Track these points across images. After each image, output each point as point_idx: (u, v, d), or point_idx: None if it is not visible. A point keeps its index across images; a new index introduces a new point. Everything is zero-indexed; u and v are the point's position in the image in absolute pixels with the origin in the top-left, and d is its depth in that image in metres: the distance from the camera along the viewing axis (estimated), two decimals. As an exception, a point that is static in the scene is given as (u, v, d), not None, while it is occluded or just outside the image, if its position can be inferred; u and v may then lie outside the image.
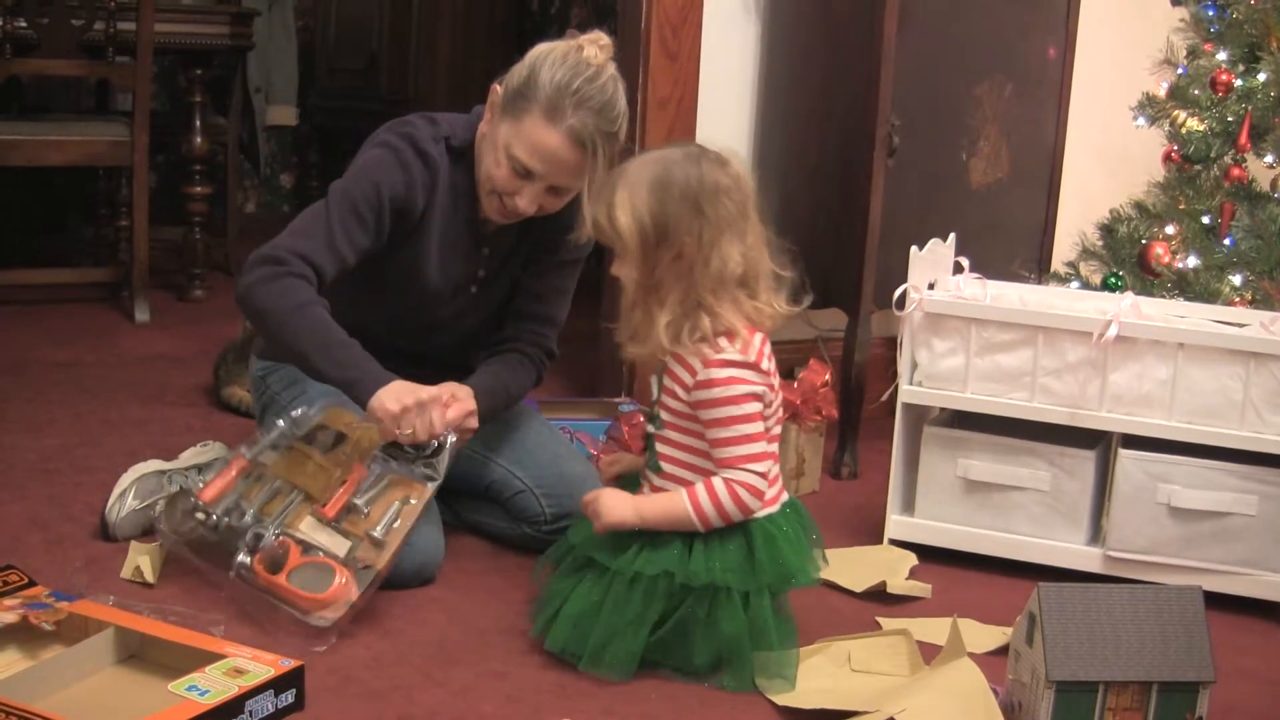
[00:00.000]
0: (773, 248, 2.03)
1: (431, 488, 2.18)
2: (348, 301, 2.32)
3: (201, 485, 2.25)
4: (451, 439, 2.20)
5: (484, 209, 2.36)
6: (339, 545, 2.13)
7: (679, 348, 1.98)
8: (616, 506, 2.02)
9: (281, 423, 2.31)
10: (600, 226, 2.02)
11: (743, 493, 1.96)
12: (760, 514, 2.01)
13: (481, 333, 2.53)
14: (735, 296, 1.99)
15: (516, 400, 2.50)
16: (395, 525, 2.14)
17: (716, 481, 1.97)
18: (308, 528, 2.17)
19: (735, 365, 1.97)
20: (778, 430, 2.07)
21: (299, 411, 2.32)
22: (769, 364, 2.01)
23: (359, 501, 2.17)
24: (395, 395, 2.15)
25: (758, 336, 2.01)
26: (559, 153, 2.21)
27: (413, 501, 2.16)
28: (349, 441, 2.25)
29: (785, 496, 2.08)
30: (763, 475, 1.98)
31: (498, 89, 2.28)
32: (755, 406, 1.98)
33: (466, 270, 2.43)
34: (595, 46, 2.23)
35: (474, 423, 2.26)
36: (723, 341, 1.98)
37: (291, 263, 2.20)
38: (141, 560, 2.23)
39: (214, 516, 2.20)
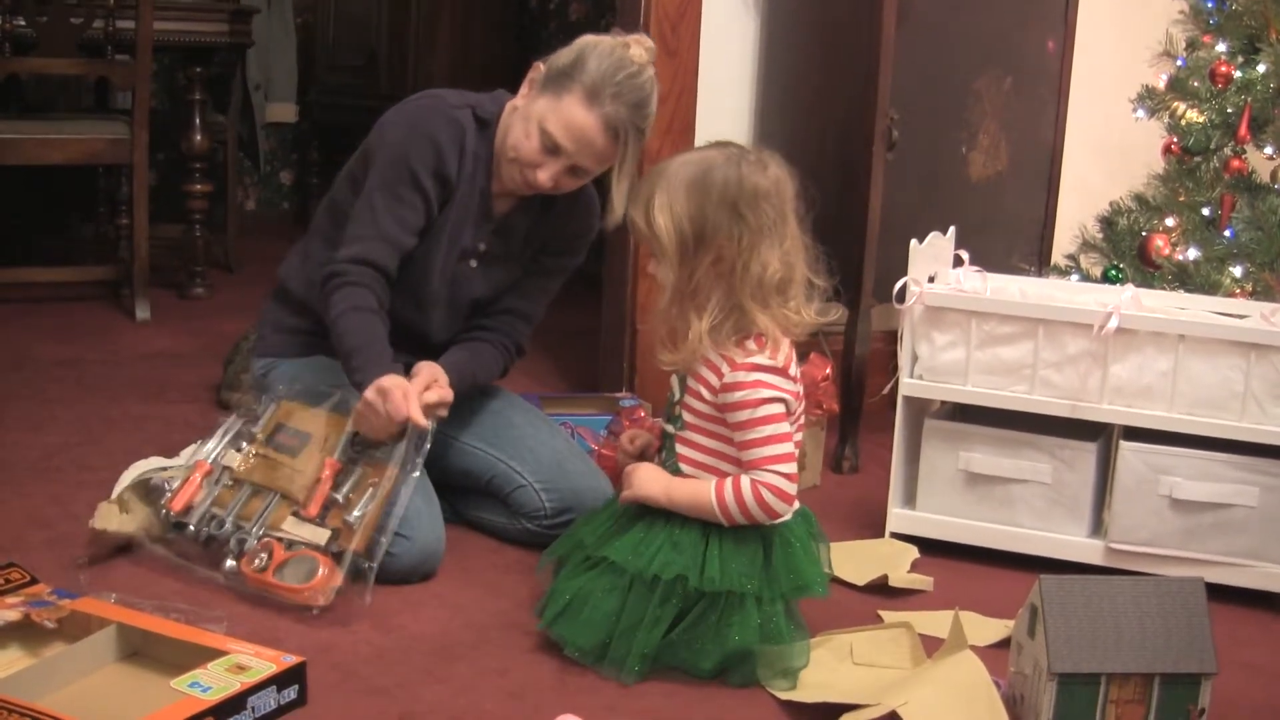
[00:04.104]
0: (809, 254, 2.02)
1: (393, 468, 2.21)
2: None
3: (169, 495, 2.29)
4: (414, 426, 2.21)
5: (502, 178, 2.41)
6: (319, 536, 2.18)
7: (721, 349, 1.97)
8: (649, 481, 2.02)
9: (232, 418, 2.38)
10: (638, 227, 2.01)
11: (767, 494, 1.96)
12: (783, 518, 2.02)
13: (472, 316, 2.55)
14: (770, 302, 1.98)
15: (480, 387, 2.54)
16: (369, 507, 2.18)
17: (744, 480, 1.97)
18: (290, 526, 2.21)
19: (763, 369, 1.96)
20: (798, 437, 2.06)
21: (259, 406, 2.40)
22: (795, 370, 2.02)
23: (338, 495, 2.22)
24: (356, 408, 2.23)
25: (786, 343, 2.01)
26: (591, 135, 2.27)
27: (392, 470, 2.20)
28: (315, 439, 2.30)
29: (797, 504, 2.07)
30: (789, 478, 1.98)
31: (540, 66, 2.34)
32: (780, 409, 1.97)
33: (473, 239, 2.45)
34: (641, 47, 2.30)
35: (444, 412, 2.29)
36: (751, 344, 1.98)
37: (349, 271, 2.31)
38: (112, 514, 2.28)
39: (191, 528, 2.26)
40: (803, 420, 2.08)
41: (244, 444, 2.34)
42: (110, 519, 2.26)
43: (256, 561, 2.16)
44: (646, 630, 1.96)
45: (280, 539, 2.19)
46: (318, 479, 2.24)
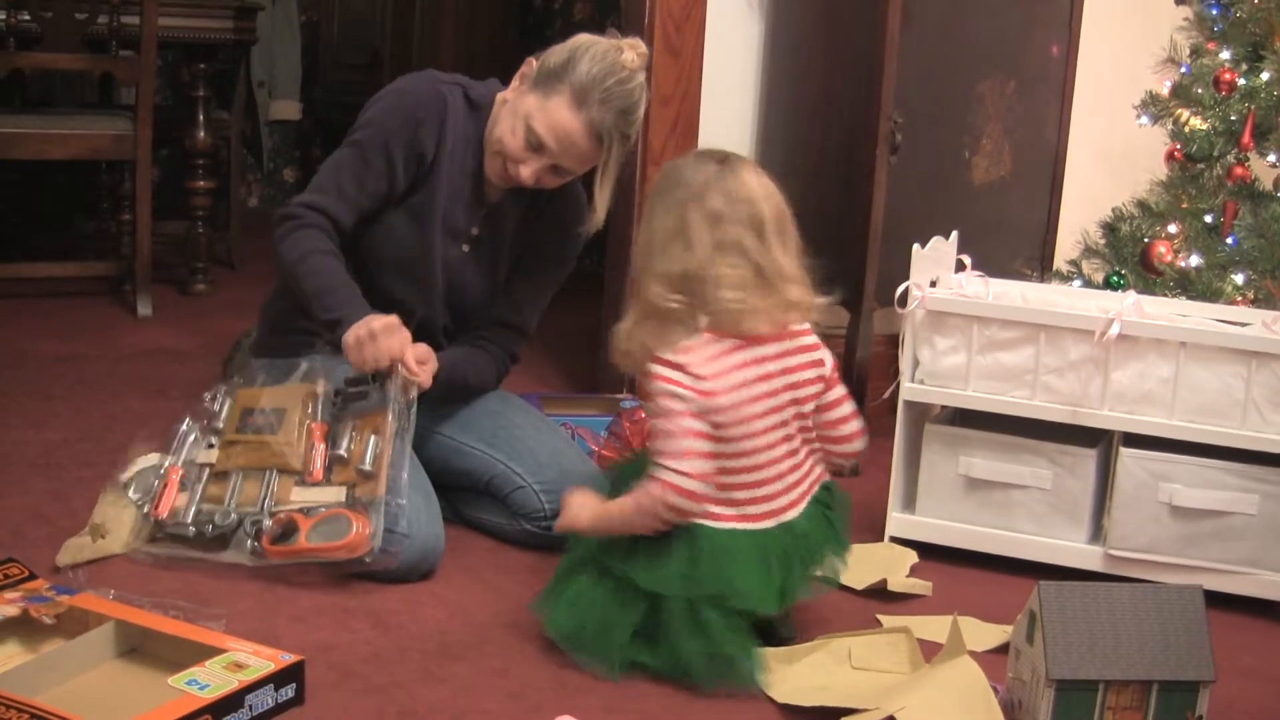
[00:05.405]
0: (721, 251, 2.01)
1: (391, 413, 2.24)
2: (360, 249, 2.43)
3: (148, 508, 2.30)
4: (403, 369, 2.26)
5: (486, 167, 2.44)
6: (335, 494, 2.21)
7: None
8: (578, 510, 2.05)
9: (186, 423, 2.41)
10: None
11: (656, 489, 1.94)
12: (725, 526, 1.99)
13: (467, 313, 2.56)
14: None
15: (473, 393, 2.56)
16: (378, 453, 2.21)
17: (649, 481, 1.97)
18: (299, 495, 2.23)
19: (667, 364, 1.98)
20: (748, 445, 2.01)
21: (210, 403, 2.44)
22: (710, 370, 1.97)
23: (340, 452, 2.25)
24: (354, 329, 2.25)
25: (714, 346, 1.99)
26: (575, 137, 2.30)
27: (392, 424, 2.24)
28: (290, 410, 2.32)
29: (785, 518, 2.04)
30: (688, 475, 1.95)
31: (533, 62, 2.37)
32: (678, 405, 1.96)
33: (466, 221, 2.48)
34: (634, 52, 2.32)
35: (426, 379, 2.31)
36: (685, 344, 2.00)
37: (304, 215, 2.36)
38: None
39: (192, 529, 2.26)
40: (760, 428, 2.02)
41: (213, 439, 2.36)
42: (82, 552, 2.24)
43: (284, 537, 2.17)
44: (617, 627, 1.98)
45: (295, 510, 2.20)
46: (310, 445, 2.26)
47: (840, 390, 2.13)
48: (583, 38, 2.35)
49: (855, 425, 2.16)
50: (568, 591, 2.04)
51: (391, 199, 2.42)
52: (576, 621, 2.00)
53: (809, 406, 2.07)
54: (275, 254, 2.38)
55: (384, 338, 2.24)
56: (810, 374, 2.06)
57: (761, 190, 2.03)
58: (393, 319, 2.27)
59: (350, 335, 2.26)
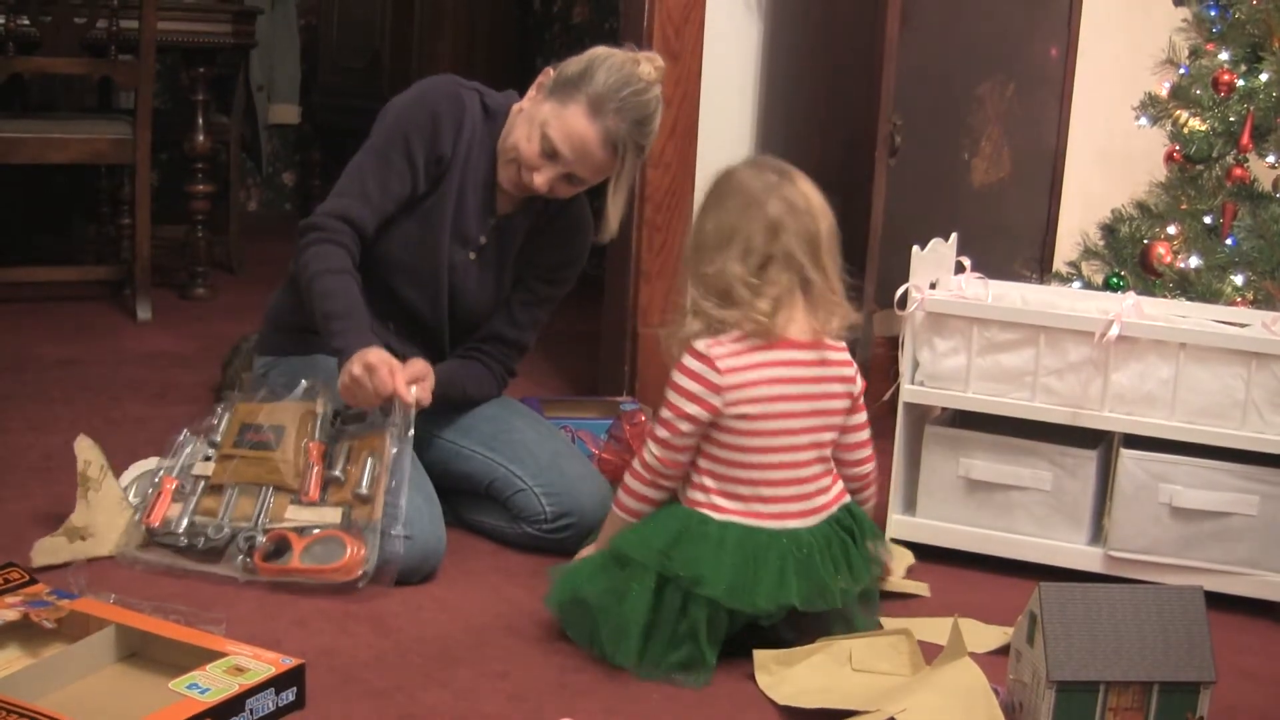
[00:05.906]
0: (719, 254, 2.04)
1: (391, 434, 2.25)
2: (372, 248, 2.42)
3: (140, 514, 2.31)
4: (400, 403, 2.25)
5: (500, 175, 2.44)
6: (332, 515, 2.21)
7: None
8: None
9: (185, 433, 2.41)
10: None
11: (634, 462, 2.06)
12: (722, 518, 2.02)
13: (467, 321, 2.56)
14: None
15: (472, 403, 2.57)
16: (376, 475, 2.22)
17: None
18: (294, 514, 2.23)
19: (695, 355, 2.02)
20: (757, 443, 2.03)
21: (214, 418, 2.44)
22: (733, 364, 2.00)
23: (335, 472, 2.26)
24: (342, 375, 2.24)
25: (746, 345, 2.02)
26: (589, 146, 2.31)
27: (392, 449, 2.24)
28: (289, 428, 2.32)
29: (792, 524, 2.04)
30: (654, 456, 2.03)
31: (550, 71, 2.39)
32: (691, 387, 2.00)
33: (475, 229, 2.48)
34: (651, 65, 2.35)
35: (426, 396, 2.30)
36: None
37: (328, 226, 2.35)
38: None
39: (184, 540, 2.26)
40: (765, 427, 2.03)
41: (210, 451, 2.36)
42: (58, 553, 2.23)
43: (276, 555, 2.18)
44: (619, 603, 2.00)
45: (290, 528, 2.21)
46: (306, 464, 2.27)
47: (863, 417, 2.16)
48: (600, 50, 2.37)
49: (867, 452, 2.21)
50: (575, 568, 2.10)
51: (412, 201, 2.42)
52: (566, 594, 2.06)
53: (834, 420, 2.09)
54: (296, 264, 2.38)
55: (371, 379, 2.21)
56: (839, 388, 2.09)
57: (819, 204, 2.07)
58: (378, 354, 2.22)
59: (339, 384, 2.25)
